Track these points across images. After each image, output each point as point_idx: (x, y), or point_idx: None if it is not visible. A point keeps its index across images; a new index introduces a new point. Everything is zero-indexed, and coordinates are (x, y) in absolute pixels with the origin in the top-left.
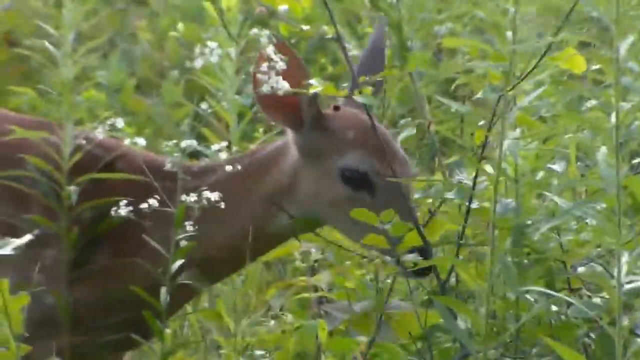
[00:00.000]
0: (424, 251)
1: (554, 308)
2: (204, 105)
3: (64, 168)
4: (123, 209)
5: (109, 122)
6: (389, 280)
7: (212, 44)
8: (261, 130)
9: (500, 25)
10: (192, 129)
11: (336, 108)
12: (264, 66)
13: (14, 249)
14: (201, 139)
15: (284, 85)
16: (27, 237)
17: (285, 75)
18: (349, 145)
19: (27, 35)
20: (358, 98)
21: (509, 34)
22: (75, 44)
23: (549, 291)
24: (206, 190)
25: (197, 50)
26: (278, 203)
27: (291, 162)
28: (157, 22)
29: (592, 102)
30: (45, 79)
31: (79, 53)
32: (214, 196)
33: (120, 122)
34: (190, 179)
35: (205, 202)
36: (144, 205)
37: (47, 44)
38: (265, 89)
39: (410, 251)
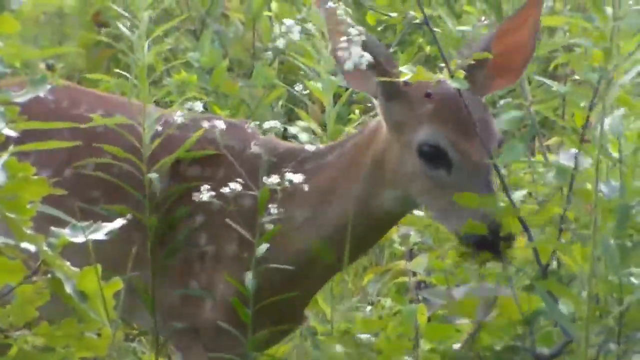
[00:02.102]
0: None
1: None
2: (298, 87)
3: (145, 154)
4: (205, 194)
5: (188, 105)
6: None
7: (288, 22)
8: (357, 111)
9: (600, 2)
10: (286, 110)
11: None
12: (343, 41)
13: (107, 233)
14: (296, 120)
15: (365, 56)
16: (120, 222)
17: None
18: (426, 117)
19: (116, 17)
20: (451, 82)
21: (609, 10)
22: (151, 26)
23: None
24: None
25: (278, 29)
26: (379, 181)
27: (382, 136)
28: (250, 1)
29: None
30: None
31: (154, 34)
32: (297, 178)
33: (198, 105)
34: (294, 164)
35: (287, 183)
36: (225, 189)
37: (121, 27)
38: (348, 66)
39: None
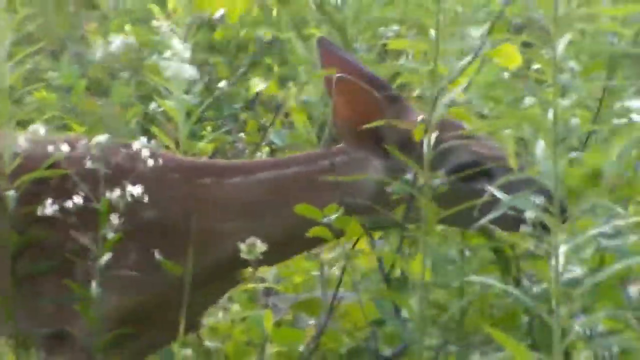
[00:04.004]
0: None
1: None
2: (153, 105)
3: (4, 172)
4: (48, 208)
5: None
6: (337, 273)
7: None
8: (209, 128)
9: (427, 26)
10: (142, 128)
11: None
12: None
13: None
14: (151, 137)
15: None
16: None
17: (353, 106)
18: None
19: None
20: (305, 97)
21: (432, 32)
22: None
23: (489, 280)
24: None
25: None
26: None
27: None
28: (107, 25)
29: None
30: None
31: (14, 59)
32: (137, 190)
33: (42, 129)
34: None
35: (129, 198)
36: (68, 204)
37: None
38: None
39: None
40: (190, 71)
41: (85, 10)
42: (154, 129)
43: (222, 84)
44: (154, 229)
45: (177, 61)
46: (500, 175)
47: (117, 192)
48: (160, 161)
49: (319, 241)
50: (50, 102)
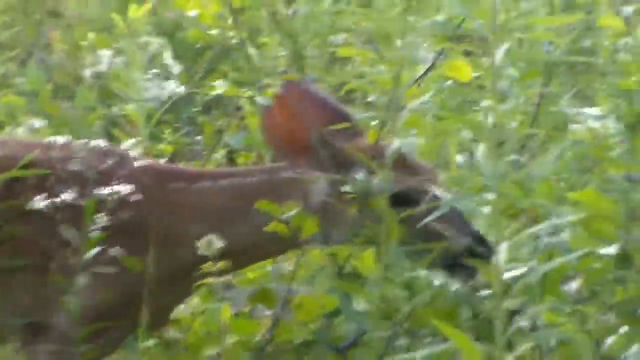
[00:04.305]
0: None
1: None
2: (115, 109)
3: None
4: (39, 203)
5: (28, 123)
6: (290, 269)
7: (102, 52)
8: (167, 131)
9: (391, 35)
10: (104, 130)
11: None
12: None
13: None
14: (113, 139)
15: None
16: None
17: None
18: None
19: None
20: (259, 99)
21: (398, 42)
22: None
23: (437, 276)
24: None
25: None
26: None
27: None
28: (71, 33)
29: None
30: None
31: None
32: (126, 189)
33: (37, 123)
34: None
35: (116, 196)
36: (57, 200)
37: None
38: None
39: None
40: (174, 87)
41: (49, 18)
42: (116, 132)
43: (180, 88)
44: (127, 229)
45: (162, 77)
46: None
47: (104, 191)
48: (133, 164)
49: (283, 247)
50: (19, 106)
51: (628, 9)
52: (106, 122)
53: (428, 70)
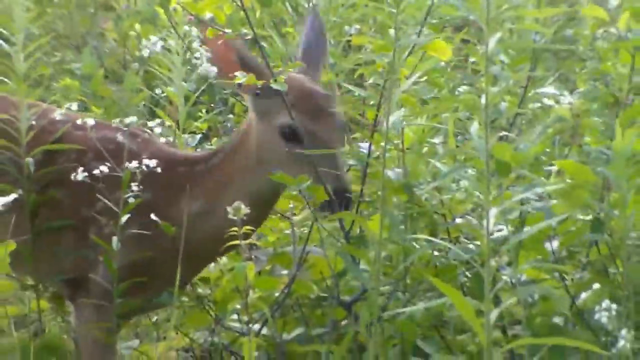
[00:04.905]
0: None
1: (436, 253)
2: (157, 91)
3: (22, 142)
4: (80, 175)
5: (70, 105)
6: (305, 231)
7: (154, 38)
8: (203, 110)
9: (387, 25)
10: (148, 110)
11: None
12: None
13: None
14: (156, 117)
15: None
16: (12, 197)
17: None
18: (285, 107)
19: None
20: (274, 85)
21: (392, 31)
22: (27, 41)
23: (432, 239)
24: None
25: (144, 43)
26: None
27: (253, 125)
28: (121, 24)
29: (468, 88)
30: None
31: (29, 49)
32: (152, 163)
33: (74, 106)
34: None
35: (145, 168)
36: (96, 171)
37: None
38: (201, 72)
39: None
40: (212, 70)
41: (102, 11)
42: (159, 111)
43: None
44: (149, 205)
45: (205, 61)
46: (309, 147)
47: (135, 164)
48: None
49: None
50: (73, 88)
51: (613, 2)
52: (150, 102)
53: (410, 51)
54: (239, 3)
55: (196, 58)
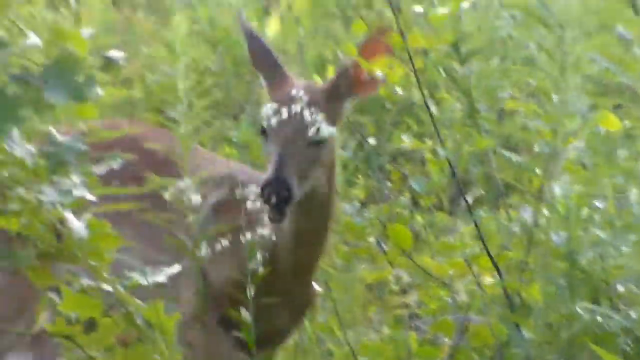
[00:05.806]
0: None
1: (599, 319)
2: None
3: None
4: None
5: None
6: (465, 299)
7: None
8: (361, 177)
9: (549, 91)
10: None
11: None
12: None
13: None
14: None
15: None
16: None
17: None
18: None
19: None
20: (439, 150)
21: (556, 97)
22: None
23: (594, 306)
24: None
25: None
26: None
27: None
28: None
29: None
30: None
31: (194, 111)
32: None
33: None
34: None
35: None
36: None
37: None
38: None
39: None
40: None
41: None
42: None
43: (371, 140)
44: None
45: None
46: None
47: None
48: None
49: None
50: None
51: None
52: None
53: (585, 122)
54: (411, 68)
55: None
